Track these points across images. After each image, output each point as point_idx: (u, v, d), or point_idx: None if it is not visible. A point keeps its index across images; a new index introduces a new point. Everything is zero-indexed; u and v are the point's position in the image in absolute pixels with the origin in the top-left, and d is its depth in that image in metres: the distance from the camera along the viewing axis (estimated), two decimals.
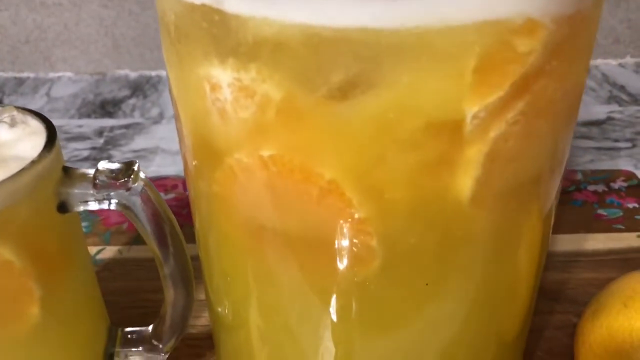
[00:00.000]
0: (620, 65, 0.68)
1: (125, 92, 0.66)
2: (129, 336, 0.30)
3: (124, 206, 0.25)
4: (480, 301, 0.24)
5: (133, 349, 0.29)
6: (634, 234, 0.41)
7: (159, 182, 0.48)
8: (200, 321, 0.35)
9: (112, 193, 0.24)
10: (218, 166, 0.21)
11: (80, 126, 0.59)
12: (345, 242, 0.21)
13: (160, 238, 0.26)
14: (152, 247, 0.26)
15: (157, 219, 0.25)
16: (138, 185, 0.25)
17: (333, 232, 0.20)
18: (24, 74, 0.69)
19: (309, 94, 0.18)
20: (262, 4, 0.17)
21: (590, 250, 0.40)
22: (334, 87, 0.18)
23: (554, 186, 0.24)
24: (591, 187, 0.46)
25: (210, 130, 0.21)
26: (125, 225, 0.43)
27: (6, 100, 0.64)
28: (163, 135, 0.58)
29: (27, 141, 0.24)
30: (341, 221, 0.20)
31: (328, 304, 0.23)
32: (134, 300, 0.37)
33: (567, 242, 0.41)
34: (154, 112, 0.63)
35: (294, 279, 0.23)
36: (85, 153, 0.55)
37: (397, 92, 0.18)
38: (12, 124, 0.25)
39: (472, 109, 0.18)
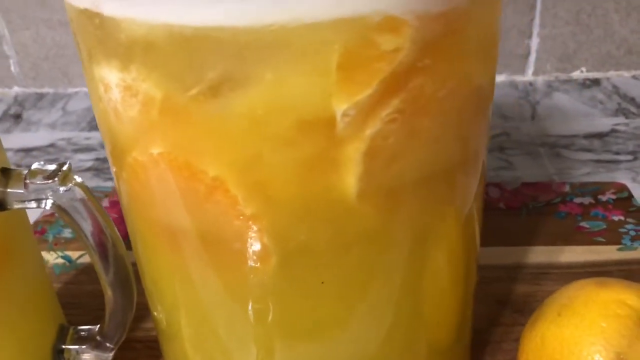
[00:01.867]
0: (634, 77, 0.65)
1: None
2: (81, 334, 0.31)
3: (58, 207, 0.26)
4: (391, 304, 0.24)
5: (83, 347, 0.30)
6: (614, 247, 0.40)
7: None
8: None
9: (48, 193, 0.26)
10: (123, 165, 0.22)
11: (88, 138, 0.62)
12: (239, 240, 0.21)
13: (97, 240, 0.26)
14: (88, 251, 0.27)
15: (93, 221, 0.26)
16: (70, 187, 0.26)
17: (226, 229, 0.21)
18: (44, 89, 0.72)
19: (184, 92, 0.19)
20: (128, 5, 0.18)
21: (565, 263, 0.39)
22: (204, 86, 0.18)
23: (467, 187, 0.24)
24: (577, 200, 0.45)
25: (111, 130, 0.22)
26: None
27: (25, 114, 0.68)
28: None
29: None
30: (232, 218, 0.21)
31: (239, 302, 0.23)
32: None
33: (541, 254, 0.40)
34: None
35: (203, 277, 0.23)
36: (89, 164, 0.57)
37: (263, 90, 0.18)
38: None
39: (341, 106, 0.18)
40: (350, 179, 0.20)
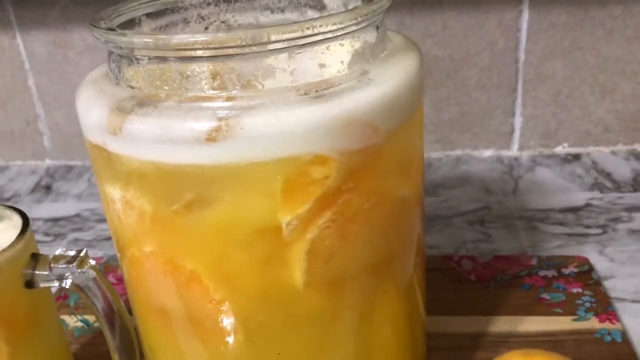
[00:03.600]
0: (613, 152, 0.70)
1: None
2: None
3: (76, 286, 0.32)
4: None
5: None
6: (569, 317, 0.44)
7: None
8: None
9: (67, 274, 0.32)
10: (124, 258, 0.28)
11: None
12: (212, 319, 0.27)
13: (105, 312, 0.32)
14: (99, 320, 0.33)
15: (103, 297, 0.32)
16: (86, 270, 0.32)
17: (201, 310, 0.27)
18: (73, 162, 0.80)
19: (167, 208, 0.25)
20: (126, 147, 0.24)
21: (523, 332, 0.43)
22: (181, 204, 0.25)
23: (400, 270, 0.29)
24: (542, 273, 0.50)
25: (116, 231, 0.28)
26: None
27: (54, 184, 0.75)
28: None
29: (9, 233, 0.32)
30: (205, 302, 0.26)
31: None
32: None
33: (503, 324, 0.44)
34: None
35: (188, 347, 0.29)
36: (109, 234, 0.64)
37: (225, 207, 0.24)
38: (1, 219, 0.33)
39: (285, 218, 0.24)
40: (297, 273, 0.26)
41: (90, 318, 0.49)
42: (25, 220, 0.33)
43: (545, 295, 0.47)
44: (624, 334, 0.42)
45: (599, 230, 0.57)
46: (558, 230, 0.58)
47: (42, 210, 0.71)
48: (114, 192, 0.26)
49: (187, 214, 0.25)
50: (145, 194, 0.25)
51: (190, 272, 0.26)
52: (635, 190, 0.64)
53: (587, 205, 0.62)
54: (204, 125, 0.23)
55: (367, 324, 0.29)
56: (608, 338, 0.42)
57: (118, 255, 0.30)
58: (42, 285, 0.32)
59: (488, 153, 0.72)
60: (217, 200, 0.24)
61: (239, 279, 0.26)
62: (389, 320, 0.30)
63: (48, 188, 0.77)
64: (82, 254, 0.32)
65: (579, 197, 0.63)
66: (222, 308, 0.26)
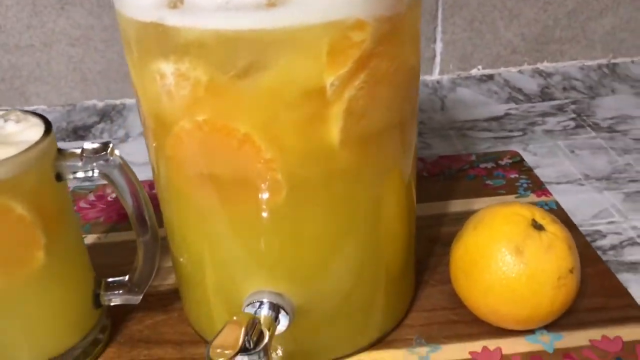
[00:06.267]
0: (520, 71, 0.80)
1: (94, 118, 0.75)
2: (110, 284, 0.39)
3: (104, 175, 0.34)
4: (362, 228, 0.34)
5: (114, 292, 0.38)
6: (512, 196, 0.52)
7: None
8: (168, 282, 0.44)
9: (94, 164, 0.34)
10: (168, 134, 0.31)
11: None
12: (260, 178, 0.30)
13: (135, 198, 0.35)
14: (127, 207, 0.35)
15: (130, 184, 0.35)
16: (114, 158, 0.34)
17: (252, 171, 0.30)
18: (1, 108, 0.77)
19: (224, 75, 0.28)
20: (187, 18, 0.27)
21: (477, 209, 0.50)
22: (238, 70, 0.28)
23: (409, 132, 0.34)
24: (482, 165, 0.57)
25: (162, 108, 0.30)
26: (102, 219, 0.52)
27: None
28: (130, 151, 0.67)
29: (30, 131, 0.34)
30: (255, 163, 0.30)
31: (258, 226, 0.32)
32: (111, 271, 0.45)
33: (458, 205, 0.51)
34: (121, 133, 0.72)
35: (232, 211, 0.32)
36: None
37: (278, 71, 0.28)
38: (18, 120, 0.34)
39: (329, 79, 0.28)
40: (334, 131, 0.30)
41: None
42: (46, 120, 0.34)
43: (489, 182, 0.54)
44: (557, 204, 0.51)
45: (520, 133, 0.66)
46: (485, 135, 0.66)
47: None
48: (166, 67, 0.29)
49: (243, 79, 0.28)
50: (201, 64, 0.28)
51: (243, 135, 0.29)
52: (543, 100, 0.73)
53: (507, 114, 0.70)
54: None
55: (385, 181, 0.34)
56: (546, 207, 0.50)
57: (153, 141, 0.33)
58: (71, 176, 0.34)
59: None
60: (272, 64, 0.28)
61: (286, 139, 0.29)
62: (397, 189, 0.35)
63: None
64: (110, 145, 0.34)
65: (499, 109, 0.72)
66: (270, 167, 0.30)
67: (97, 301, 0.38)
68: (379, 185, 0.34)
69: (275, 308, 0.33)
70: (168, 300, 0.43)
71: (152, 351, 0.39)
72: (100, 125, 0.74)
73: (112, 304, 0.39)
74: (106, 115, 0.76)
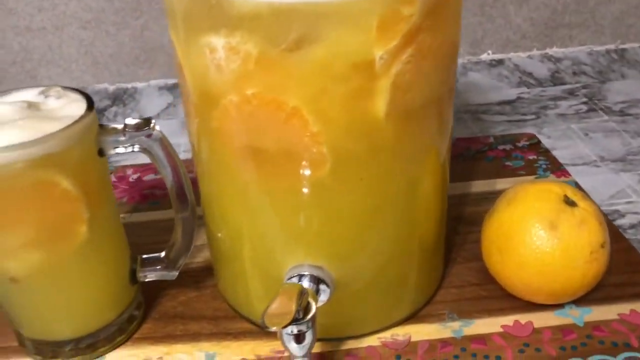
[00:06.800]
0: (529, 57, 0.80)
1: (106, 102, 0.75)
2: (145, 261, 0.39)
3: (144, 149, 0.34)
4: (402, 201, 0.34)
5: (151, 268, 0.39)
6: (532, 177, 0.53)
7: (148, 167, 0.57)
8: (199, 259, 0.45)
9: (137, 139, 0.34)
10: (215, 107, 0.31)
11: None
12: (306, 151, 0.31)
13: (175, 174, 0.35)
14: (167, 182, 0.35)
15: (171, 159, 0.35)
16: (156, 133, 0.34)
17: (297, 145, 0.31)
18: None
19: (275, 48, 0.28)
20: None
21: (498, 190, 0.51)
22: (289, 43, 0.28)
23: (447, 110, 0.34)
24: (500, 147, 0.58)
25: (210, 82, 0.31)
26: (125, 199, 0.52)
27: None
28: None
29: (71, 106, 0.34)
30: (302, 136, 0.30)
31: (300, 200, 0.33)
32: (137, 250, 0.46)
33: (480, 186, 0.52)
34: (134, 116, 0.72)
35: (275, 185, 0.33)
36: None
37: (329, 44, 0.28)
38: (58, 96, 0.35)
39: (378, 52, 0.29)
40: (380, 104, 0.30)
41: None
42: (87, 96, 0.35)
43: (508, 163, 0.55)
44: (577, 184, 0.51)
45: (534, 116, 0.67)
46: (499, 119, 0.67)
47: None
48: (217, 41, 0.29)
49: (293, 52, 0.28)
50: (253, 37, 0.28)
51: (291, 108, 0.29)
52: (554, 85, 0.74)
53: (519, 98, 0.71)
54: None
55: (425, 157, 0.34)
56: None
57: (195, 117, 0.33)
58: (113, 151, 0.34)
59: None
60: (322, 37, 0.28)
61: (333, 112, 0.30)
62: (436, 160, 0.35)
63: None
64: (152, 121, 0.34)
65: (510, 93, 0.73)
66: (317, 139, 0.30)
67: (133, 277, 0.38)
68: (419, 161, 0.34)
69: (317, 281, 0.34)
70: (200, 277, 0.43)
71: (188, 326, 0.39)
72: (114, 109, 0.73)
73: (147, 279, 0.39)
74: (118, 98, 0.76)
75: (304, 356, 0.32)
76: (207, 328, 0.39)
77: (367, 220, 0.34)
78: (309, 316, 0.31)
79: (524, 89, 0.73)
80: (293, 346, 0.31)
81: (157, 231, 0.48)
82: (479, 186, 0.52)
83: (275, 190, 0.33)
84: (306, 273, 0.34)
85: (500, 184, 0.52)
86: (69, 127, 0.31)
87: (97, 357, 0.37)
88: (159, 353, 0.38)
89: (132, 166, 0.58)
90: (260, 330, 0.39)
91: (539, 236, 0.36)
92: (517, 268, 0.37)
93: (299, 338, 0.31)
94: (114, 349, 0.38)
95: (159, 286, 0.42)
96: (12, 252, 0.33)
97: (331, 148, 0.31)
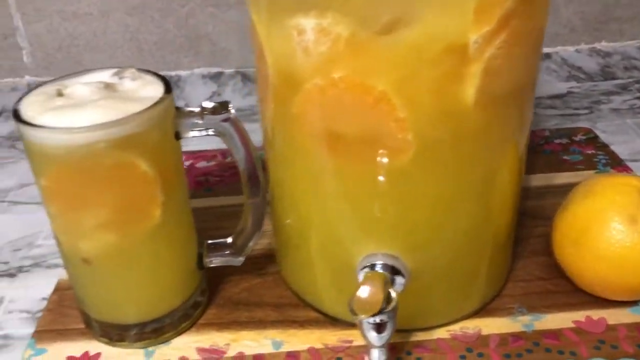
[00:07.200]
0: (577, 51, 0.79)
1: None
2: (211, 246, 0.39)
3: (219, 133, 0.34)
4: (480, 191, 0.33)
5: (218, 253, 0.38)
6: (592, 171, 0.52)
7: (200, 154, 0.57)
8: (260, 246, 0.44)
9: (214, 122, 0.34)
10: (298, 92, 0.31)
11: None
12: (390, 137, 0.30)
13: (249, 158, 0.35)
14: (241, 166, 0.35)
15: (245, 143, 0.34)
16: (229, 118, 0.34)
17: (382, 130, 0.30)
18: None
19: (367, 30, 0.28)
20: None
21: (558, 184, 0.50)
22: (383, 25, 0.27)
23: (530, 99, 0.34)
24: (557, 141, 0.57)
25: (294, 65, 0.30)
26: None
27: None
28: None
29: (147, 88, 0.33)
30: (388, 121, 0.30)
31: (378, 187, 0.32)
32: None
33: (540, 180, 0.51)
34: (180, 104, 0.72)
35: (355, 171, 0.32)
36: None
37: (424, 26, 0.27)
38: (134, 78, 0.34)
39: (473, 36, 0.28)
40: (470, 90, 0.29)
41: None
42: (163, 78, 0.34)
43: (566, 157, 0.54)
44: None
45: (587, 111, 0.65)
46: (552, 113, 0.65)
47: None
48: (306, 22, 0.28)
49: (385, 35, 0.28)
50: (345, 19, 0.28)
51: (380, 92, 0.29)
52: (605, 80, 0.73)
53: (569, 92, 0.70)
54: None
55: (506, 147, 0.33)
56: None
57: (271, 102, 0.33)
58: (189, 134, 0.34)
59: None
60: (417, 20, 0.27)
61: (421, 98, 0.29)
62: (516, 151, 0.34)
63: None
64: (230, 105, 0.34)
65: (560, 87, 0.71)
66: (403, 125, 0.30)
67: (200, 262, 0.38)
68: (501, 150, 0.33)
69: (392, 271, 0.33)
70: (261, 264, 0.43)
71: (253, 313, 0.39)
72: None
73: (212, 265, 0.39)
74: None
75: (381, 346, 0.31)
76: (272, 315, 0.39)
77: (445, 209, 0.33)
78: (391, 306, 0.30)
79: (574, 83, 0.72)
80: (372, 335, 0.31)
81: (212, 217, 0.48)
82: (538, 180, 0.51)
83: (352, 176, 0.32)
84: (380, 262, 0.33)
85: (560, 178, 0.51)
86: (150, 109, 0.31)
87: (162, 343, 0.37)
88: (226, 340, 0.37)
89: (184, 153, 0.57)
90: (327, 319, 0.38)
91: (618, 230, 0.35)
92: (593, 262, 0.36)
93: (380, 328, 0.30)
94: (179, 334, 0.38)
95: (221, 272, 0.41)
96: (87, 233, 0.33)
97: (416, 135, 0.30)
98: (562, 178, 0.51)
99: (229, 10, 0.75)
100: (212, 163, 0.56)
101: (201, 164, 0.55)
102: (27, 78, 0.77)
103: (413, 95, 0.29)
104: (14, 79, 0.77)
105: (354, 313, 0.28)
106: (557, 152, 0.55)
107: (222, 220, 0.46)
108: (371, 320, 0.30)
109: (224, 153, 0.57)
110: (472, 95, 0.30)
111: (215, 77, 0.77)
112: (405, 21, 0.27)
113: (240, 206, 0.38)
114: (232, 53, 0.77)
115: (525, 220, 0.46)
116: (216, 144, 0.61)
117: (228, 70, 0.78)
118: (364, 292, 0.29)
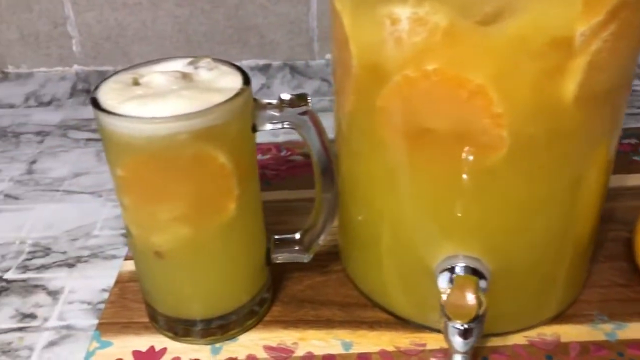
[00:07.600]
0: None
1: None
2: (278, 242, 0.38)
3: (296, 125, 0.33)
4: (568, 192, 0.32)
5: (285, 249, 0.37)
6: None
7: (260, 146, 0.56)
8: (323, 243, 0.43)
9: (289, 115, 0.32)
10: (384, 85, 0.29)
11: None
12: (483, 134, 0.29)
13: (325, 152, 0.33)
14: (315, 160, 0.34)
15: (321, 137, 0.33)
16: (307, 110, 0.33)
17: (475, 125, 0.28)
18: (104, 68, 0.77)
19: (467, 20, 0.26)
20: None
21: (631, 186, 0.48)
22: (486, 15, 0.26)
23: (626, 97, 0.32)
24: (624, 141, 0.54)
25: (383, 56, 0.29)
26: None
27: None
28: None
29: (224, 79, 0.32)
30: (483, 116, 0.28)
31: (464, 186, 0.30)
32: None
33: (612, 181, 0.49)
34: None
35: (439, 169, 0.30)
36: None
37: (530, 16, 0.26)
38: (209, 68, 0.33)
39: (580, 28, 0.26)
40: (571, 85, 0.28)
41: None
42: (240, 68, 0.33)
43: (636, 158, 0.52)
44: None
45: None
46: None
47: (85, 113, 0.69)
48: (401, 11, 0.27)
49: (487, 25, 0.26)
50: (444, 8, 0.26)
51: (476, 85, 0.27)
52: None
53: (634, 90, 0.67)
54: None
55: (599, 147, 0.31)
56: None
57: (358, 89, 0.31)
58: (266, 127, 0.33)
59: None
60: (522, 9, 0.26)
61: (519, 92, 0.27)
62: (607, 153, 0.33)
63: (87, 92, 0.74)
64: (308, 97, 0.33)
65: None
66: (498, 121, 0.28)
67: (268, 258, 0.37)
68: (593, 152, 0.31)
69: (475, 274, 0.31)
70: (324, 261, 0.42)
71: (319, 312, 0.38)
72: None
73: (278, 261, 0.38)
74: None
75: (465, 352, 0.30)
76: (339, 315, 0.38)
77: (533, 211, 0.31)
78: (481, 311, 0.29)
79: (636, 81, 0.69)
80: (458, 341, 0.29)
81: (272, 212, 0.46)
82: (611, 181, 0.49)
83: (435, 174, 0.31)
84: (462, 264, 0.32)
85: (632, 179, 0.49)
86: (231, 100, 0.30)
87: (228, 339, 0.36)
88: (293, 338, 0.36)
89: None
90: (397, 320, 0.37)
91: None
92: None
93: (466, 333, 0.29)
94: (245, 331, 0.37)
95: (283, 269, 0.40)
96: (162, 226, 0.32)
97: (511, 132, 0.28)
98: (635, 180, 0.49)
99: (278, 3, 0.74)
100: (268, 156, 0.55)
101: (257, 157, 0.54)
102: (76, 67, 0.77)
103: (511, 90, 0.27)
104: (63, 68, 0.77)
105: (448, 318, 0.27)
106: (626, 153, 0.53)
107: (283, 215, 0.45)
108: (459, 325, 0.29)
109: (277, 146, 0.56)
110: (573, 91, 0.28)
111: (264, 69, 0.76)
112: (509, 10, 0.26)
113: (300, 201, 0.37)
114: (280, 45, 0.76)
115: (600, 224, 0.44)
116: (267, 137, 0.60)
117: (276, 62, 0.77)
118: (458, 297, 0.28)
